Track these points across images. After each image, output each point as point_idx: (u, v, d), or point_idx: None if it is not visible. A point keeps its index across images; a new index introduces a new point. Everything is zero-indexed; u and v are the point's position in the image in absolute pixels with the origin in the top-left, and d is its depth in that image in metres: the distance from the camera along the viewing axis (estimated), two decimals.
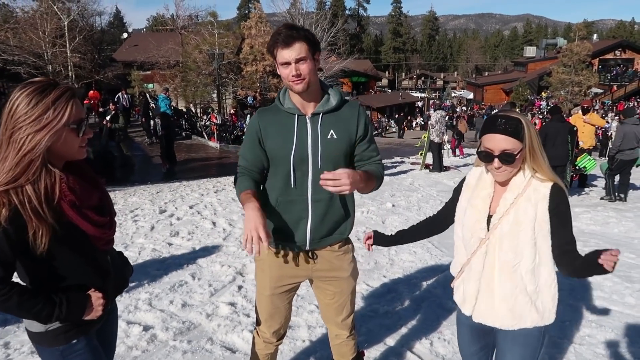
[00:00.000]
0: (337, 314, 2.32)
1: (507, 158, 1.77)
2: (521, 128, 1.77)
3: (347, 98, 2.20)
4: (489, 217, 1.88)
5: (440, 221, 2.21)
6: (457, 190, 2.10)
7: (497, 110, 9.19)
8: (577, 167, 8.72)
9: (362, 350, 2.77)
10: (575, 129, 8.41)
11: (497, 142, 1.77)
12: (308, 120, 2.05)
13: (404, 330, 3.58)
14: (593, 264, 1.63)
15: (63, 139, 1.53)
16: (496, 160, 1.78)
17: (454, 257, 2.12)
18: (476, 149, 1.94)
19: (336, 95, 2.10)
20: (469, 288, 1.96)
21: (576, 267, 1.74)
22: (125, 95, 20.94)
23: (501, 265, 1.84)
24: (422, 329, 3.60)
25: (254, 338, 2.41)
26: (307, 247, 2.13)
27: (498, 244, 1.84)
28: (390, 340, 3.42)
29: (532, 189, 1.82)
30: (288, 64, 1.93)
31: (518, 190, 1.83)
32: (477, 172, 2.00)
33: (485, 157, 1.81)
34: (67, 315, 1.58)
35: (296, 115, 2.05)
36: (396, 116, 40.86)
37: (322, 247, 2.17)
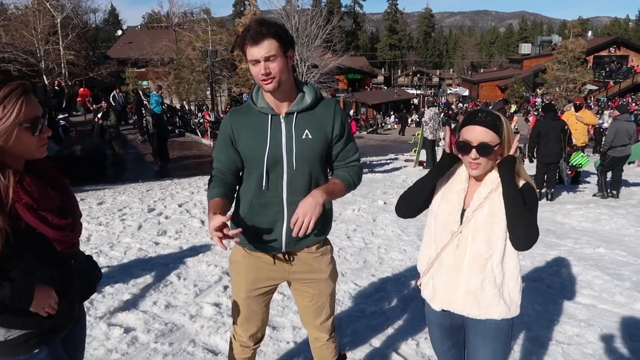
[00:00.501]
0: (316, 316, 2.26)
1: (484, 150, 1.81)
2: (500, 124, 1.83)
3: (324, 95, 2.13)
4: (463, 211, 1.92)
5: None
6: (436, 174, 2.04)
7: (496, 106, 9.14)
8: (572, 165, 8.69)
9: (344, 352, 2.72)
10: (566, 127, 8.37)
11: (477, 133, 1.81)
12: (282, 120, 1.98)
13: (390, 330, 3.53)
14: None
15: (16, 139, 1.46)
16: (474, 151, 1.82)
17: (420, 254, 2.12)
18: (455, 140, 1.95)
19: (311, 92, 2.02)
20: (438, 282, 1.98)
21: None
22: (120, 94, 20.80)
23: (473, 258, 1.87)
24: (409, 329, 3.54)
25: (231, 342, 2.34)
26: (283, 250, 2.07)
27: (471, 237, 1.87)
28: (376, 341, 3.36)
29: None
30: (257, 62, 1.85)
31: (492, 185, 1.88)
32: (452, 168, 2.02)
33: (463, 147, 1.85)
34: (11, 299, 1.47)
35: (269, 115, 1.98)
36: (392, 113, 40.80)
37: (299, 250, 2.11)
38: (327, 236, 2.23)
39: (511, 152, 1.85)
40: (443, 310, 2.00)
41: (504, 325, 1.93)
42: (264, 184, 1.98)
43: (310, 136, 1.98)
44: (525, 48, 62.40)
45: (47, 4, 26.29)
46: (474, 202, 1.90)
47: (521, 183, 1.87)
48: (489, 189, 1.88)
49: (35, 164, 1.60)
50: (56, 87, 21.62)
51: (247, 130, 1.99)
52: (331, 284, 2.25)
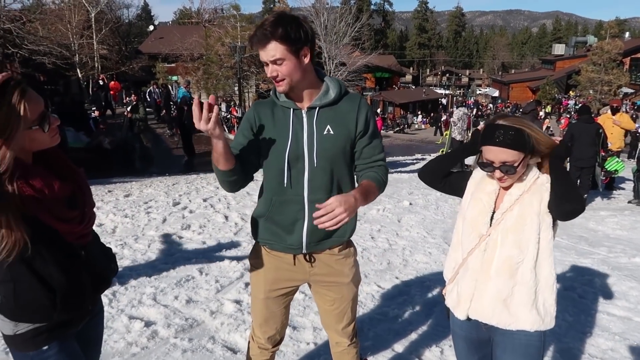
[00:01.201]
0: (338, 321, 2.18)
1: (507, 169, 1.73)
2: (521, 137, 1.71)
3: (349, 90, 2.05)
4: (493, 213, 1.83)
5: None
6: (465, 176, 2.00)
7: (528, 107, 8.83)
8: (607, 170, 8.36)
9: (366, 357, 2.65)
10: (601, 130, 8.06)
11: (496, 154, 1.73)
12: (304, 115, 1.91)
13: (413, 336, 3.43)
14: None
15: (29, 140, 1.43)
16: (497, 171, 1.75)
17: (447, 259, 2.03)
18: (475, 158, 1.89)
19: (335, 87, 1.93)
20: (464, 288, 1.87)
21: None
22: (156, 90, 20.76)
23: (502, 261, 1.77)
24: (433, 335, 3.43)
25: (249, 343, 2.29)
26: (304, 250, 1.99)
27: (500, 240, 1.77)
28: (399, 347, 3.27)
29: (537, 184, 1.78)
30: (267, 64, 1.81)
31: (524, 187, 1.80)
32: None
33: (486, 167, 1.77)
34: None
35: (291, 110, 1.90)
36: (420, 113, 40.29)
37: (321, 251, 2.03)
38: (351, 237, 2.15)
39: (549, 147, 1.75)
40: (468, 319, 1.88)
41: (536, 340, 1.80)
42: (285, 180, 1.91)
43: (332, 132, 1.90)
44: (559, 49, 60.84)
45: None
46: (504, 204, 1.81)
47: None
48: (521, 190, 1.79)
49: (44, 154, 1.56)
50: (100, 82, 21.93)
51: (270, 124, 1.92)
52: (353, 288, 2.17)
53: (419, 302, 4.00)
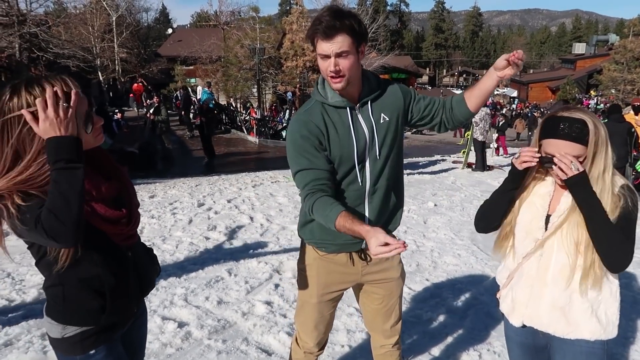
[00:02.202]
0: (385, 320, 2.14)
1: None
2: (587, 131, 1.60)
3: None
4: (548, 216, 1.73)
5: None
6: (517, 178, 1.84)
7: (555, 107, 8.67)
8: (638, 171, 8.16)
9: (408, 358, 2.60)
10: (633, 130, 7.87)
11: (560, 148, 1.62)
12: (357, 111, 1.87)
13: (449, 339, 3.36)
14: None
15: None
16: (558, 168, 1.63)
17: (502, 263, 1.94)
18: (538, 153, 1.73)
19: (374, 78, 1.93)
20: (519, 295, 1.79)
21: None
22: (183, 94, 20.84)
23: (559, 269, 1.67)
24: (469, 339, 3.36)
25: (292, 346, 2.25)
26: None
27: (557, 245, 1.67)
28: (435, 350, 3.21)
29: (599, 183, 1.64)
30: (327, 57, 1.71)
31: None
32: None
33: (547, 163, 1.65)
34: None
35: (347, 108, 1.85)
36: None
37: None
38: None
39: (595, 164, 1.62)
40: (524, 326, 1.81)
41: (598, 349, 1.70)
42: (359, 179, 1.87)
43: (387, 118, 1.89)
44: (579, 48, 59.82)
45: (104, 3, 27.32)
46: (560, 206, 1.71)
47: (617, 185, 1.64)
48: None
49: (88, 153, 1.52)
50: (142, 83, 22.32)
51: (333, 129, 1.84)
52: (401, 283, 2.14)
53: (451, 304, 3.93)
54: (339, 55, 1.70)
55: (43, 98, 1.28)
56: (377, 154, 1.87)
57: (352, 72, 1.74)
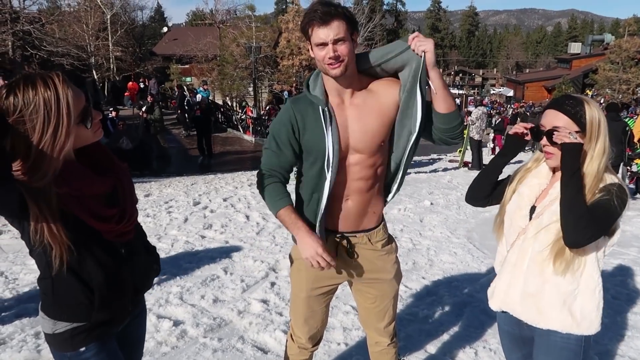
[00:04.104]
0: (379, 319, 2.13)
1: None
2: (580, 109, 1.62)
3: None
4: (533, 207, 1.75)
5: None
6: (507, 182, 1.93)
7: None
8: (634, 171, 8.18)
9: (403, 358, 2.59)
10: (627, 128, 7.90)
11: (551, 117, 1.67)
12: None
13: (445, 337, 3.36)
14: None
15: (75, 138, 1.38)
16: (544, 137, 1.67)
17: (497, 256, 1.97)
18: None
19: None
20: (500, 280, 1.83)
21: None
22: (154, 84, 20.97)
23: (535, 255, 1.70)
24: (465, 336, 3.36)
25: (287, 342, 2.24)
26: (340, 229, 1.96)
27: (534, 235, 1.69)
28: (431, 348, 3.20)
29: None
30: (324, 44, 1.71)
31: None
32: (536, 156, 1.86)
33: (536, 133, 1.72)
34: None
35: (324, 108, 1.83)
36: None
37: (356, 232, 1.99)
38: (386, 230, 2.10)
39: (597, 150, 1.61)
40: (504, 312, 1.84)
41: (573, 344, 1.69)
42: (330, 173, 1.85)
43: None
44: (575, 47, 59.93)
45: (98, 1, 27.15)
46: (545, 199, 1.72)
47: (606, 181, 1.62)
48: None
49: (86, 148, 1.50)
50: (140, 84, 22.28)
51: (311, 120, 1.85)
52: (395, 285, 2.12)
53: (448, 302, 3.92)
54: (336, 42, 1.70)
55: None
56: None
57: (350, 58, 1.74)
